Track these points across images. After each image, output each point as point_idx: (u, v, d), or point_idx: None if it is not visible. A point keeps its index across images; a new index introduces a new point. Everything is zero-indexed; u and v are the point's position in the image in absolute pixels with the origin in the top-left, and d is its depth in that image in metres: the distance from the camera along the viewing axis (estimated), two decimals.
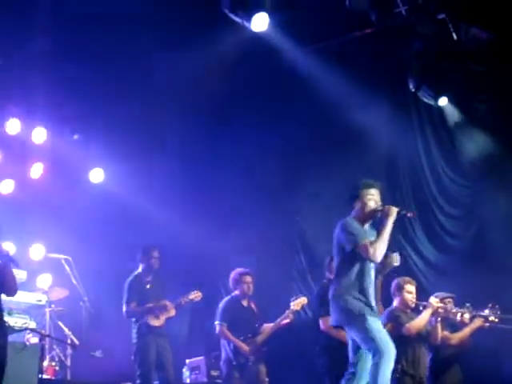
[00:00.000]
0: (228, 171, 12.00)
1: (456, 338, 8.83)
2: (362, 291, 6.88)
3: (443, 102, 10.74)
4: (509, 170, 10.41)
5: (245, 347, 9.41)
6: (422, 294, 10.36)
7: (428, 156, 11.24)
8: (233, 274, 9.85)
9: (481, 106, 10.64)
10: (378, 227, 6.97)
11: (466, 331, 8.83)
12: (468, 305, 8.86)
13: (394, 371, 8.20)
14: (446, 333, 8.85)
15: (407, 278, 8.82)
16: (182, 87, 10.85)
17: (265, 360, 9.56)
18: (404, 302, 8.65)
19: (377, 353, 6.71)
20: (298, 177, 11.92)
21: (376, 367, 6.70)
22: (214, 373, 10.56)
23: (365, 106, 10.85)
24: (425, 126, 11.28)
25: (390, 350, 6.75)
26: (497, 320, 8.80)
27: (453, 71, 10.45)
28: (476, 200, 10.80)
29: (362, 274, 6.92)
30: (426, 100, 10.75)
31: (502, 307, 8.91)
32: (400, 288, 8.68)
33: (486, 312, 8.81)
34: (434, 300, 8.62)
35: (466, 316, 8.83)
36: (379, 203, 7.08)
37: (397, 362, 8.20)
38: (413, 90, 10.57)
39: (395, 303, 8.72)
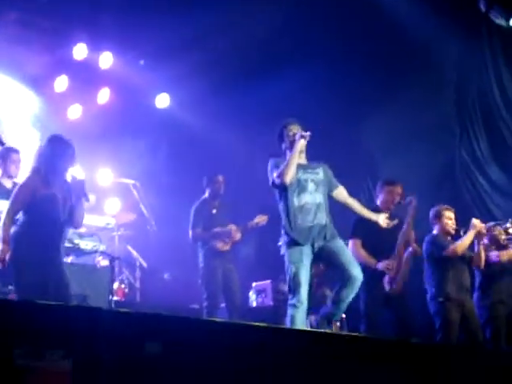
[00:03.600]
0: (295, 101, 11.83)
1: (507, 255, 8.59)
2: (289, 221, 7.05)
3: None
4: None
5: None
6: (490, 219, 10.25)
7: (498, 80, 10.97)
8: None
9: None
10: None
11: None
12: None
13: (438, 296, 8.24)
14: (496, 252, 8.62)
15: (445, 206, 8.62)
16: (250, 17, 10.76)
17: (330, 285, 9.60)
18: (444, 229, 8.49)
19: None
20: (371, 102, 11.70)
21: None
22: (281, 296, 10.65)
23: (434, 29, 10.61)
24: (496, 49, 10.98)
25: None
26: None
27: None
28: None
29: (289, 201, 7.05)
30: (497, 21, 10.46)
31: None
32: (439, 215, 8.53)
33: None
34: (476, 221, 8.39)
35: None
36: (292, 138, 7.20)
37: (440, 286, 8.26)
38: (483, 11, 10.29)
39: (435, 231, 8.57)
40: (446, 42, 10.93)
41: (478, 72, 11.10)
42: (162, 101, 12.02)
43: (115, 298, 9.57)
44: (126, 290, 10.33)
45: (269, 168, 7.22)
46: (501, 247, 8.70)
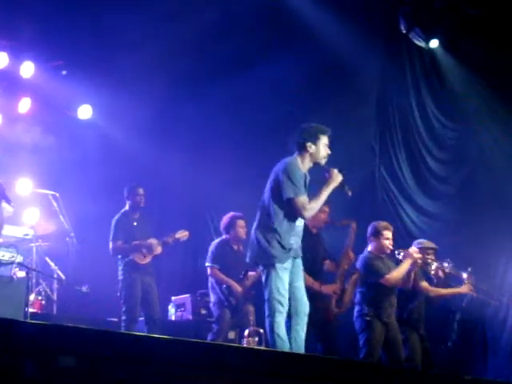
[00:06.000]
0: (218, 108, 11.89)
1: (435, 292, 8.70)
2: (282, 238, 6.76)
3: (434, 44, 10.67)
4: (498, 113, 10.39)
5: (238, 288, 9.43)
6: (410, 240, 10.43)
7: (418, 99, 11.17)
8: (225, 219, 9.83)
9: (472, 49, 10.55)
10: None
11: (449, 291, 8.75)
12: (448, 260, 8.70)
13: (365, 314, 8.30)
14: (426, 284, 8.68)
15: (385, 223, 8.53)
16: (173, 19, 10.75)
17: (253, 301, 9.59)
18: (380, 248, 8.39)
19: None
20: (290, 119, 11.81)
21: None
22: (203, 311, 10.62)
23: (356, 47, 10.77)
24: (416, 69, 11.19)
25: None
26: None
27: (446, 13, 10.37)
28: (465, 144, 10.79)
29: (289, 221, 6.81)
30: (417, 42, 10.68)
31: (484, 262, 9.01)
32: (377, 233, 8.40)
33: (464, 276, 8.70)
34: (413, 250, 8.40)
35: (440, 273, 8.68)
36: (326, 154, 6.94)
37: (369, 305, 8.31)
38: (404, 32, 10.50)
39: (370, 248, 8.46)
40: (368, 62, 11.11)
41: (399, 92, 11.29)
42: (85, 112, 11.89)
43: (31, 310, 9.43)
44: (43, 302, 10.17)
45: (284, 178, 6.78)
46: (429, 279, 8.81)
